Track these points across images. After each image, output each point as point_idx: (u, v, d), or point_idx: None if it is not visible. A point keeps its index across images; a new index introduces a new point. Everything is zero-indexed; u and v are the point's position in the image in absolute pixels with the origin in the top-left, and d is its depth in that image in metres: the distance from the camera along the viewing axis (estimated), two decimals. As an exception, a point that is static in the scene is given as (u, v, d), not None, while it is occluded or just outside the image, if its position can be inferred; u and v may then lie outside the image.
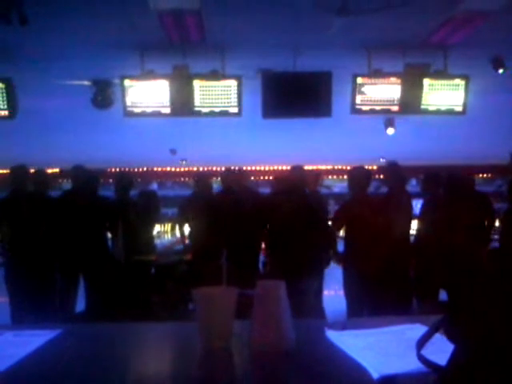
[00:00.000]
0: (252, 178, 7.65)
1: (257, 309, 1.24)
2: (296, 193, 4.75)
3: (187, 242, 5.66)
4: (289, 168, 5.08)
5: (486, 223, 4.81)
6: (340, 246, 4.90)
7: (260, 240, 5.01)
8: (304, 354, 1.21)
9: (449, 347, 0.86)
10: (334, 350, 1.23)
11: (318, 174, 6.14)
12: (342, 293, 4.80)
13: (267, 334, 1.22)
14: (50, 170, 6.09)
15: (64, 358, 1.27)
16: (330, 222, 4.96)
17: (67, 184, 5.44)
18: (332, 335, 1.33)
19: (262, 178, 9.95)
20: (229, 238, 4.47)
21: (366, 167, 4.97)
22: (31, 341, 1.37)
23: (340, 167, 10.69)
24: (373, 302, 4.44)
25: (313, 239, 4.60)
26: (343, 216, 4.80)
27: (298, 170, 5.02)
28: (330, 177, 10.54)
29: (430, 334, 0.94)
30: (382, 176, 5.60)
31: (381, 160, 8.79)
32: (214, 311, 1.24)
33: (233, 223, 4.72)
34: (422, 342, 0.94)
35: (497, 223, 5.32)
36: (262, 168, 10.76)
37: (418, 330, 1.33)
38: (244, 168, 5.72)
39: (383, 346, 1.24)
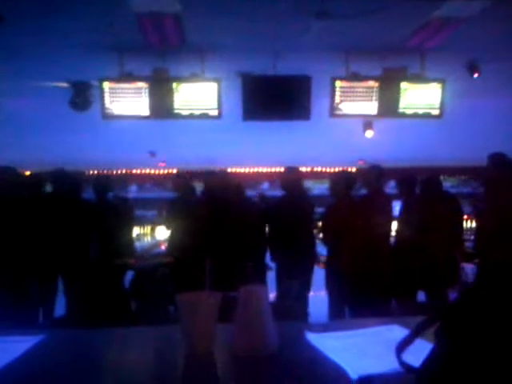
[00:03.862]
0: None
1: (239, 313, 1.25)
2: (293, 196, 4.89)
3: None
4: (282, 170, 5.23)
5: (456, 224, 4.88)
6: (321, 248, 4.94)
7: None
8: (285, 356, 1.23)
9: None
10: (313, 352, 1.25)
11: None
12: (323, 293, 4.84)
13: (249, 339, 1.23)
14: (27, 172, 5.97)
15: (48, 363, 1.27)
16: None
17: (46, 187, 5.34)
18: (312, 337, 1.35)
19: (241, 179, 9.98)
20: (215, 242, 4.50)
21: (349, 171, 5.03)
22: (15, 347, 1.36)
23: (320, 169, 10.75)
24: (354, 302, 4.48)
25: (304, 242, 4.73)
26: (333, 222, 4.72)
27: (293, 171, 5.15)
28: (309, 179, 10.60)
29: (411, 339, 0.94)
30: (361, 178, 5.65)
31: (360, 162, 8.88)
32: (197, 316, 1.24)
33: (219, 227, 4.73)
34: (402, 347, 0.94)
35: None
36: (242, 170, 10.78)
37: (395, 330, 1.37)
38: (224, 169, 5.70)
39: (361, 347, 1.26)
